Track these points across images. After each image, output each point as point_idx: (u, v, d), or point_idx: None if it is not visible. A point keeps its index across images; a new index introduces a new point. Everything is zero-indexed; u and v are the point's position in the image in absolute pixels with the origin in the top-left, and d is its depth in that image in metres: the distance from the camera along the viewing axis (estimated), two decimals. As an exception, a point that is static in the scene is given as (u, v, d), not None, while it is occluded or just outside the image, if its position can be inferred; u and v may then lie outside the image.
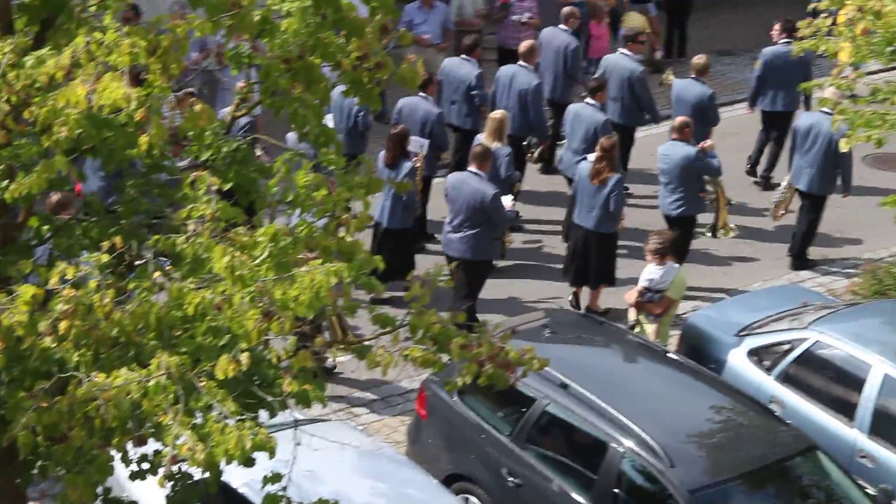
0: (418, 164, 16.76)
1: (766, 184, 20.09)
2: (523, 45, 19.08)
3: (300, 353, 7.98)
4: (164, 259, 8.19)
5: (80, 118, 7.66)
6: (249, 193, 8.85)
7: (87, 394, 7.34)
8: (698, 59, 19.15)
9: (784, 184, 18.23)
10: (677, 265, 15.00)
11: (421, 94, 17.61)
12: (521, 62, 18.95)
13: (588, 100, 18.08)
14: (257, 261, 7.68)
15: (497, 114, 17.12)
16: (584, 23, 21.69)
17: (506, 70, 19.07)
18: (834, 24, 13.79)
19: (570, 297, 16.92)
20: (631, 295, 14.97)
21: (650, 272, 14.82)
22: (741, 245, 18.47)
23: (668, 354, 13.78)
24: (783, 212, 18.37)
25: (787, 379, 13.99)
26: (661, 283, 14.73)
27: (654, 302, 14.77)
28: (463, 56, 18.94)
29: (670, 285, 14.75)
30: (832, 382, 13.99)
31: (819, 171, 17.49)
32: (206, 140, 8.61)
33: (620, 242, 16.96)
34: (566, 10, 20.38)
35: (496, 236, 16.00)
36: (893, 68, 19.75)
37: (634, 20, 21.79)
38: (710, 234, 17.76)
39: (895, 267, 16.88)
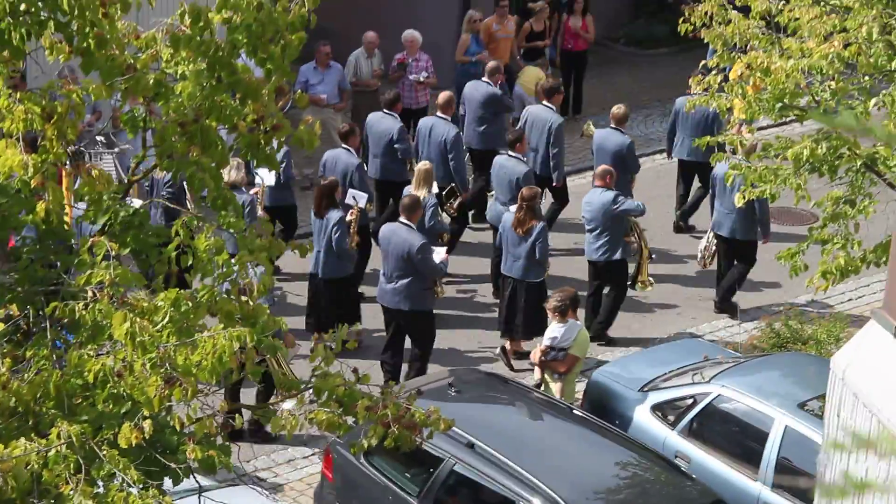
0: (354, 216, 17.02)
1: (683, 227, 20.49)
2: (441, 97, 19.35)
3: (204, 419, 7.87)
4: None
5: (-26, 185, 7.53)
6: (148, 258, 8.74)
7: (-14, 465, 7.17)
8: (617, 109, 19.44)
9: (710, 233, 18.48)
10: (580, 323, 15.02)
11: (343, 146, 17.91)
12: (438, 113, 19.23)
13: (509, 151, 18.32)
14: (158, 326, 7.57)
15: (423, 165, 17.36)
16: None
17: (425, 122, 19.36)
18: (725, 80, 13.99)
19: (499, 350, 17.02)
20: (535, 354, 14.97)
21: (552, 331, 14.83)
22: (665, 291, 18.74)
23: (573, 411, 13.78)
24: (710, 259, 18.63)
25: (691, 433, 14.03)
26: (563, 342, 14.74)
27: (559, 360, 14.77)
28: (385, 110, 19.17)
29: (574, 343, 14.76)
30: (735, 436, 14.06)
31: (739, 217, 17.69)
32: (104, 205, 8.50)
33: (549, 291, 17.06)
34: (491, 64, 20.70)
35: (427, 286, 16.11)
36: (784, 124, 20.11)
37: (531, 75, 21.99)
38: (629, 285, 17.96)
39: (793, 320, 17.05)
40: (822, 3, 13.80)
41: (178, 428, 7.88)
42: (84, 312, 7.67)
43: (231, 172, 16.19)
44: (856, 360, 11.10)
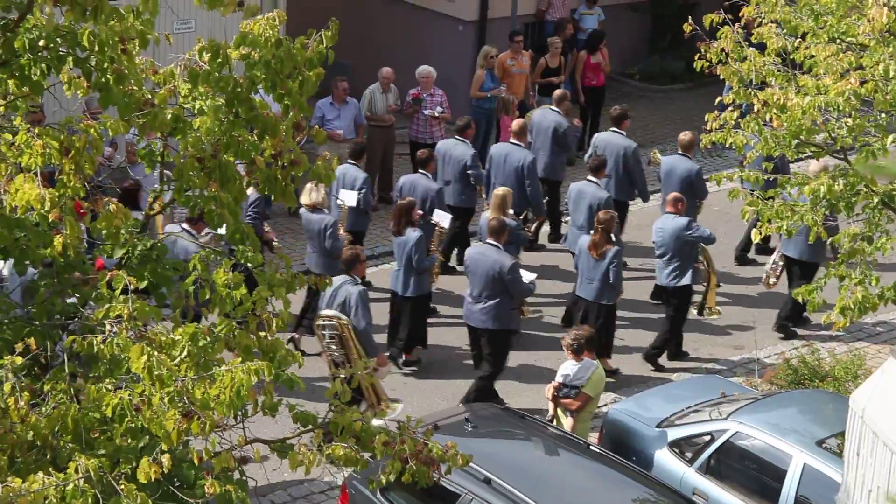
0: (438, 236, 17.99)
1: (743, 259, 20.71)
2: (515, 124, 19.84)
3: (222, 454, 7.85)
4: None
5: (-8, 219, 7.55)
6: (166, 292, 8.74)
7: (4, 499, 7.14)
8: (684, 136, 19.62)
9: (777, 253, 18.56)
10: (595, 362, 14.95)
11: (421, 171, 18.50)
12: (512, 140, 19.63)
13: (590, 177, 18.71)
14: (176, 360, 7.56)
15: (500, 190, 17.58)
16: (496, 116, 21.98)
17: (498, 148, 19.74)
18: (741, 116, 13.99)
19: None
20: (548, 390, 14.92)
21: (566, 368, 14.78)
22: (732, 314, 18.99)
23: (590, 447, 13.73)
24: (775, 280, 18.71)
25: (708, 470, 13.96)
26: (576, 380, 14.68)
27: (571, 398, 14.71)
28: (457, 137, 19.68)
29: (587, 381, 14.70)
30: (753, 473, 13.99)
31: (806, 237, 17.67)
32: (121, 239, 8.51)
33: (619, 313, 17.63)
34: (558, 92, 21.19)
35: (515, 306, 16.50)
36: (800, 160, 20.09)
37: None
38: (695, 312, 18.17)
39: (810, 357, 17.00)
40: (839, 41, 13.81)
41: (196, 462, 7.87)
42: (102, 346, 7.67)
43: (311, 194, 17.00)
44: (875, 399, 11.06)
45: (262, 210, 17.46)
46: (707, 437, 14.11)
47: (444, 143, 19.84)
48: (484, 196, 19.71)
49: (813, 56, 13.67)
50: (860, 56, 13.53)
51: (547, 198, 20.34)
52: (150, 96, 8.59)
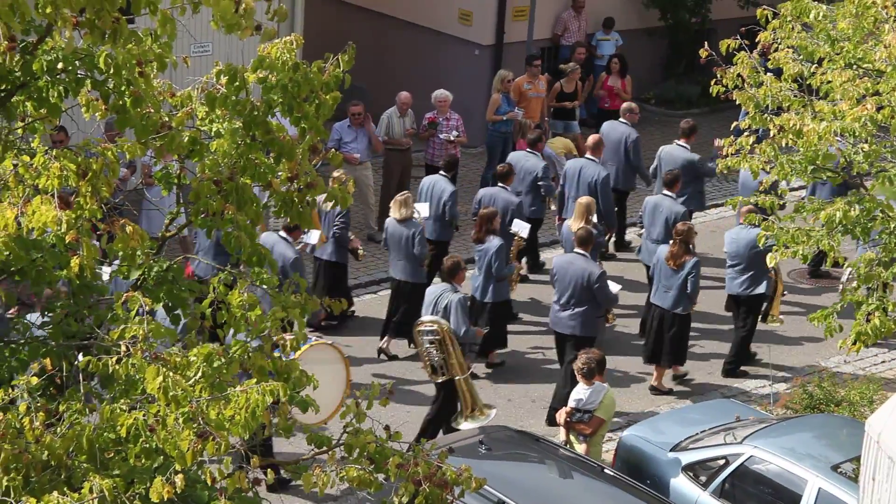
0: (517, 245, 18.61)
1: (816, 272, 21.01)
2: (591, 140, 20.45)
3: (235, 474, 7.87)
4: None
5: (9, 240, 7.58)
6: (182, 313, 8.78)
7: (18, 520, 7.19)
8: (685, 123, 20.39)
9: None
10: (606, 385, 14.95)
11: (500, 184, 19.23)
12: (588, 155, 20.17)
13: (665, 191, 19.14)
14: (191, 381, 7.59)
15: (584, 199, 18.33)
16: (512, 139, 22.03)
17: (573, 163, 20.31)
18: (757, 142, 14.00)
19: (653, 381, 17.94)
20: (560, 415, 14.91)
21: (578, 392, 14.77)
22: (800, 324, 19.22)
23: (604, 470, 13.72)
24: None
25: (723, 494, 13.94)
26: (589, 404, 14.67)
27: (584, 422, 14.70)
28: (528, 150, 20.42)
29: (600, 405, 14.70)
30: (768, 497, 13.96)
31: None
32: (137, 260, 8.54)
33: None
34: (626, 105, 21.68)
35: (600, 314, 17.01)
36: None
37: (559, 143, 22.18)
38: (759, 319, 18.42)
39: (826, 381, 16.97)
40: (855, 67, 13.83)
41: (209, 483, 7.88)
42: (117, 367, 7.70)
43: (401, 210, 17.96)
44: (891, 423, 11.03)
45: (349, 220, 18.48)
46: (722, 461, 14.10)
47: (514, 155, 20.55)
48: (552, 208, 20.57)
49: (829, 82, 13.70)
50: (876, 82, 13.55)
51: (616, 208, 20.92)
52: (167, 119, 8.62)
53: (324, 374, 14.28)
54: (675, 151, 20.45)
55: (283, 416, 8.22)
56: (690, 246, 17.48)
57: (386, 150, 21.24)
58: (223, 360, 7.79)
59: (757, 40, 14.27)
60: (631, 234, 21.89)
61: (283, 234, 16.53)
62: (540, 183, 20.02)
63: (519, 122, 21.93)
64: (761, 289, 17.90)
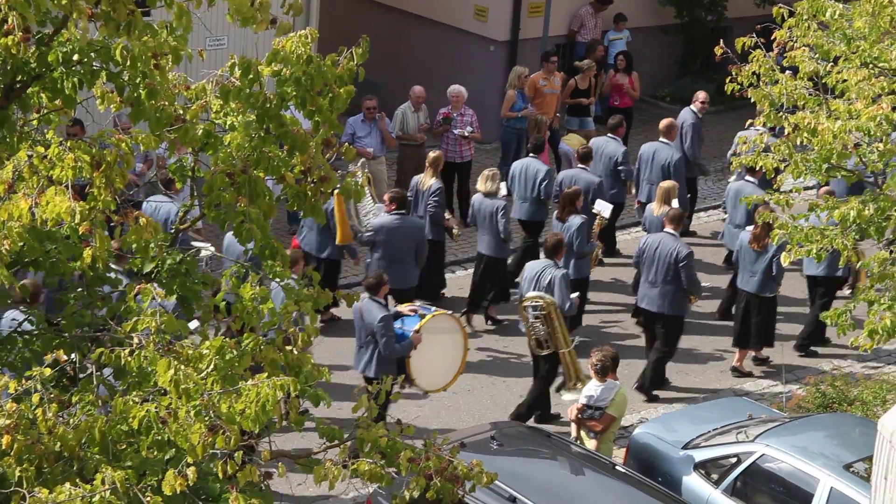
0: (599, 225, 19.02)
1: None
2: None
3: (247, 467, 7.87)
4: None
5: (23, 231, 7.59)
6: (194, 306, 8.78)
7: (31, 510, 7.20)
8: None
9: None
10: (618, 383, 14.94)
11: (581, 166, 19.78)
12: (661, 139, 20.60)
13: (748, 177, 19.36)
14: (203, 374, 7.60)
15: (666, 183, 18.99)
16: (526, 136, 22.03)
17: (647, 147, 20.71)
18: (773, 139, 13.98)
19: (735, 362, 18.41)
20: (571, 411, 14.91)
21: (590, 389, 14.76)
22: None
23: (615, 467, 13.71)
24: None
25: (734, 492, 13.93)
26: (600, 401, 14.66)
27: (595, 419, 14.69)
28: (609, 134, 20.85)
29: (611, 403, 14.68)
30: (780, 496, 13.94)
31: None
32: (151, 252, 8.55)
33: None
34: (700, 94, 22.06)
35: (687, 293, 17.41)
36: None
37: (574, 139, 22.16)
38: (848, 291, 18.58)
39: (838, 380, 16.94)
40: (871, 66, 13.80)
41: (220, 476, 7.89)
42: (130, 359, 7.71)
43: (487, 183, 18.54)
44: (903, 422, 11.02)
45: (443, 199, 18.97)
46: (734, 459, 14.08)
47: (596, 141, 20.92)
48: (634, 192, 20.88)
49: (845, 80, 13.66)
50: (892, 81, 13.53)
51: (689, 194, 21.27)
52: (181, 112, 8.64)
53: (444, 342, 15.49)
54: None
55: (295, 409, 8.22)
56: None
57: (400, 146, 21.26)
58: (235, 352, 7.79)
59: (773, 38, 14.24)
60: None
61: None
62: (620, 167, 20.55)
63: (534, 119, 21.90)
64: (840, 272, 18.17)
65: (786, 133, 13.65)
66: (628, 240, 21.83)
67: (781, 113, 13.85)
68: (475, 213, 18.81)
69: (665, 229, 17.56)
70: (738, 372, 18.28)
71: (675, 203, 18.56)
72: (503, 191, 19.04)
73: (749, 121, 14.59)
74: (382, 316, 15.29)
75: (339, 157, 9.77)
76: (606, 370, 14.70)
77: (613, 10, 25.90)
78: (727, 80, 14.26)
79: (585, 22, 25.71)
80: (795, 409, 16.70)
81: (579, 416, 14.74)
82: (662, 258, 17.21)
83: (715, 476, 14.11)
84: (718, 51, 14.21)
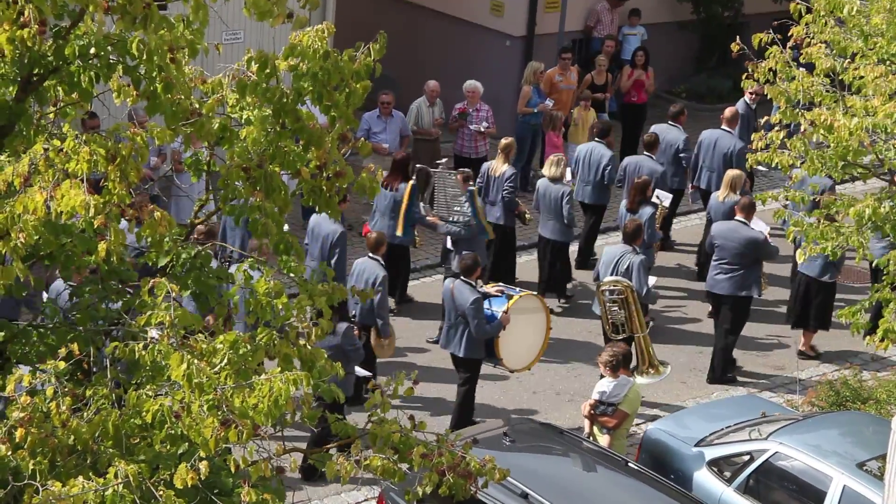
0: (660, 213, 19.17)
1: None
2: (728, 112, 21.06)
3: (258, 463, 7.88)
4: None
5: (38, 225, 7.60)
6: (209, 300, 8.79)
7: (44, 503, 7.20)
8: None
9: None
10: (631, 378, 14.93)
11: (646, 153, 20.15)
12: (724, 126, 20.79)
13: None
14: (216, 368, 7.60)
15: (733, 172, 19.24)
16: (542, 132, 21.98)
17: (709, 134, 20.92)
18: (788, 136, 13.94)
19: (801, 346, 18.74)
20: (584, 407, 14.90)
21: (602, 385, 14.76)
22: (773, 332, 19.38)
23: (628, 464, 13.70)
24: None
25: (747, 490, 13.91)
26: (613, 397, 14.65)
27: (608, 415, 14.68)
28: (670, 122, 21.00)
29: (624, 399, 14.67)
30: (793, 494, 13.93)
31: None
32: (165, 247, 8.56)
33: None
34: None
35: (755, 280, 17.79)
36: (846, 182, 20.05)
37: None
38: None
39: (852, 379, 16.91)
40: (888, 62, 13.75)
41: (233, 470, 7.90)
42: (143, 353, 7.72)
43: (552, 168, 18.99)
44: (916, 421, 10.99)
45: (517, 185, 19.35)
46: (746, 457, 14.06)
47: (657, 128, 20.95)
48: (692, 179, 21.03)
49: (862, 77, 13.62)
50: (909, 78, 13.48)
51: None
52: (197, 106, 8.64)
53: (529, 322, 16.06)
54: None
55: (308, 404, 8.22)
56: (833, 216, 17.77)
57: (414, 140, 21.23)
58: (248, 347, 7.80)
59: (789, 35, 14.20)
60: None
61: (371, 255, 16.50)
62: (682, 155, 20.70)
63: (549, 114, 21.87)
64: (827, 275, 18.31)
65: (802, 129, 13.62)
66: (689, 227, 22.32)
67: (797, 109, 13.82)
68: (540, 198, 19.18)
69: (736, 217, 17.83)
70: (805, 355, 18.44)
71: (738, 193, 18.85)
72: (568, 176, 19.40)
73: (765, 117, 14.56)
74: (474, 298, 15.80)
75: (354, 153, 9.77)
76: (618, 366, 14.69)
77: (629, 5, 25.84)
78: (744, 77, 14.22)
79: (602, 17, 25.66)
80: (809, 407, 16.68)
81: (592, 412, 14.74)
82: (735, 244, 17.48)
83: (728, 474, 14.09)
84: (735, 47, 14.18)
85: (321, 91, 8.75)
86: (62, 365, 7.72)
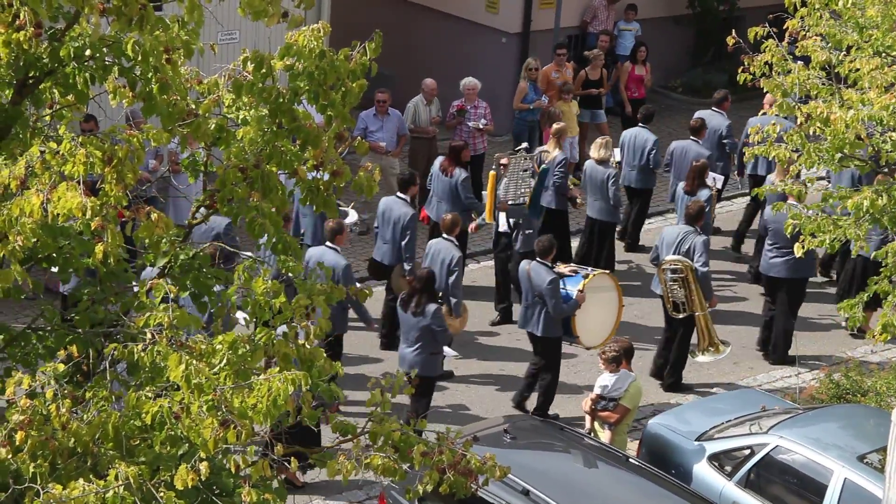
0: (714, 195, 19.51)
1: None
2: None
3: (259, 462, 7.88)
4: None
5: (36, 227, 7.58)
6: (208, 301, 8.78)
7: (45, 506, 7.21)
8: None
9: None
10: (632, 373, 14.93)
11: (692, 138, 20.48)
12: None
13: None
14: (215, 369, 7.60)
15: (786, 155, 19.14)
16: (539, 129, 21.98)
17: (756, 121, 20.63)
18: (784, 130, 13.94)
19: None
20: (585, 403, 14.91)
21: (603, 380, 14.76)
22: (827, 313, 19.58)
23: (629, 460, 13.70)
24: None
25: (748, 484, 13.91)
26: (614, 392, 14.66)
27: (609, 410, 14.68)
28: (714, 108, 21.43)
29: (625, 394, 14.68)
30: (794, 488, 13.93)
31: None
32: (163, 248, 8.56)
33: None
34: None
35: (813, 257, 18.08)
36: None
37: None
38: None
39: (852, 371, 16.91)
40: (884, 55, 13.75)
41: (233, 471, 7.90)
42: (142, 354, 7.71)
43: (600, 150, 19.51)
44: (917, 413, 10.99)
45: (566, 170, 19.80)
46: (747, 451, 14.07)
47: (702, 113, 21.19)
48: (735, 165, 21.40)
49: (857, 70, 13.61)
50: (905, 70, 13.47)
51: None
52: (193, 106, 8.63)
53: (602, 301, 16.55)
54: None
55: (308, 404, 8.22)
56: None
57: (412, 139, 21.22)
58: (247, 347, 7.79)
59: (785, 28, 14.20)
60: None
61: (329, 244, 16.44)
62: (725, 140, 21.00)
63: (546, 111, 21.85)
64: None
65: (798, 123, 13.61)
66: (733, 210, 22.54)
67: (794, 103, 13.81)
68: (587, 180, 19.69)
69: (789, 202, 17.54)
70: (863, 333, 18.39)
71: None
72: (616, 156, 19.82)
73: (763, 110, 14.55)
74: (552, 279, 16.24)
75: (351, 151, 9.77)
76: (619, 360, 14.70)
77: (626, 0, 25.85)
78: (739, 71, 14.21)
79: (598, 13, 25.66)
80: (809, 400, 16.68)
81: (593, 407, 14.74)
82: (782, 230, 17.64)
83: (728, 468, 14.09)
84: (730, 41, 14.16)
85: (317, 90, 8.75)
86: (61, 367, 7.71)
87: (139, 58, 8.08)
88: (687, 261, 17.13)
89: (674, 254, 17.30)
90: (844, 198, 13.68)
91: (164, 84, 8.19)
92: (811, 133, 13.59)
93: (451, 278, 16.63)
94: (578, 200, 19.77)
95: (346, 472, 8.36)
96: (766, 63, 13.99)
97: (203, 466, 7.38)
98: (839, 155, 13.64)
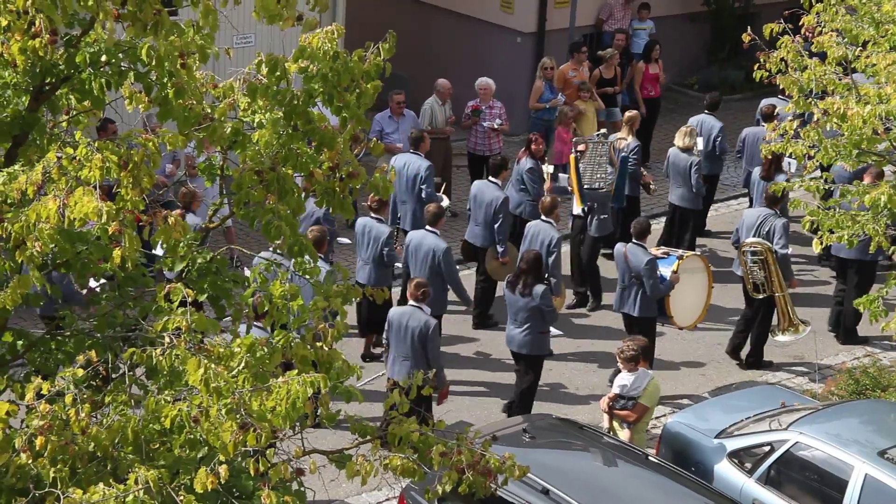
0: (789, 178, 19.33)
1: None
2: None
3: (278, 465, 7.89)
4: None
5: (53, 233, 7.60)
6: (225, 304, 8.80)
7: (65, 510, 7.24)
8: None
9: None
10: (650, 372, 14.92)
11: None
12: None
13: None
14: (234, 372, 7.61)
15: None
16: (552, 129, 21.95)
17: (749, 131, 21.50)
18: (801, 126, 13.93)
19: None
20: (603, 402, 14.90)
21: (622, 379, 14.75)
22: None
23: (648, 458, 13.69)
24: None
25: (768, 481, 13.89)
26: (632, 391, 14.65)
27: (627, 409, 14.68)
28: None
29: (643, 392, 14.67)
30: (814, 484, 13.90)
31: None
32: (180, 252, 8.57)
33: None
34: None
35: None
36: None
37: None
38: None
39: (872, 367, 16.87)
40: (900, 50, 13.73)
41: (253, 473, 7.91)
42: (161, 358, 7.73)
43: (685, 139, 19.91)
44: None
45: (640, 156, 20.45)
46: (767, 448, 14.04)
47: (769, 101, 20.95)
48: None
49: (874, 65, 13.59)
50: (922, 65, 13.44)
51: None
52: (209, 110, 8.65)
53: (694, 281, 17.05)
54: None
55: (326, 405, 8.23)
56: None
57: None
58: (266, 350, 7.81)
59: (800, 24, 14.18)
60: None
61: (429, 227, 17.01)
62: (717, 141, 21.09)
63: (562, 110, 21.84)
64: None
65: (815, 119, 13.59)
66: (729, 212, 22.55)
67: (810, 98, 13.79)
68: (670, 167, 20.12)
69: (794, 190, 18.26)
70: None
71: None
72: (700, 145, 20.20)
73: (777, 108, 14.54)
74: (649, 259, 16.69)
75: (367, 153, 9.77)
76: (636, 359, 14.69)
77: (640, -1, 25.85)
78: (755, 67, 14.20)
79: (615, 11, 25.62)
80: (828, 396, 16.65)
81: (611, 405, 14.73)
82: None
83: (748, 465, 14.07)
84: (746, 37, 14.16)
85: (332, 92, 8.76)
86: (80, 372, 7.74)
87: (154, 63, 8.11)
88: (766, 243, 17.49)
89: (754, 236, 17.66)
90: (863, 193, 13.66)
91: (180, 88, 8.21)
92: (828, 129, 13.57)
93: (551, 258, 17.13)
94: (652, 187, 20.31)
95: (364, 473, 8.37)
96: (781, 59, 13.98)
97: (222, 469, 7.40)
98: (857, 151, 13.62)
